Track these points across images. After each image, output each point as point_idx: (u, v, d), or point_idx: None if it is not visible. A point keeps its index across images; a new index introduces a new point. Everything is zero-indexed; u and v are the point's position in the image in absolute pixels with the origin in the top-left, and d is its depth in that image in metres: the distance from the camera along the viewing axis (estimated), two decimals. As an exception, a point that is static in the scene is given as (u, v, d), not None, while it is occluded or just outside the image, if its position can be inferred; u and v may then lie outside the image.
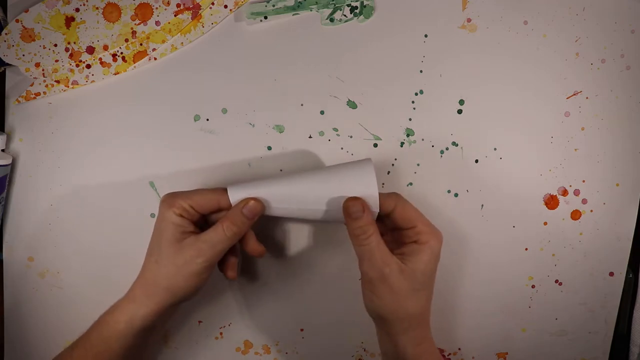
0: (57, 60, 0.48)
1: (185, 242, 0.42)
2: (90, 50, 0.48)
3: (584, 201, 0.49)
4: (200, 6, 0.47)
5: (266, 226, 0.50)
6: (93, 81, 0.49)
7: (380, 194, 0.42)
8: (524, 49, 0.48)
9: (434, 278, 0.44)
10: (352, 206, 0.41)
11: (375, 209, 0.42)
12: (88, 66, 0.48)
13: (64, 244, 0.51)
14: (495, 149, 0.49)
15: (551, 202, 0.50)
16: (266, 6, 0.47)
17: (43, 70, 0.48)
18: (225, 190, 0.43)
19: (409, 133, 0.49)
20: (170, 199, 0.43)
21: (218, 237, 0.42)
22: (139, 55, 0.48)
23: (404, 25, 0.48)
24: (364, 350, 0.52)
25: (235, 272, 0.46)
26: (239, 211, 0.42)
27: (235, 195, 0.43)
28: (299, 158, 0.49)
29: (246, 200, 0.42)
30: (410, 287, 0.41)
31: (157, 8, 0.47)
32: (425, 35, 0.48)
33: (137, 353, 0.44)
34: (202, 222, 0.45)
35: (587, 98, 0.48)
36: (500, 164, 0.49)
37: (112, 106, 0.49)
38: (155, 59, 0.49)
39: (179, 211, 0.42)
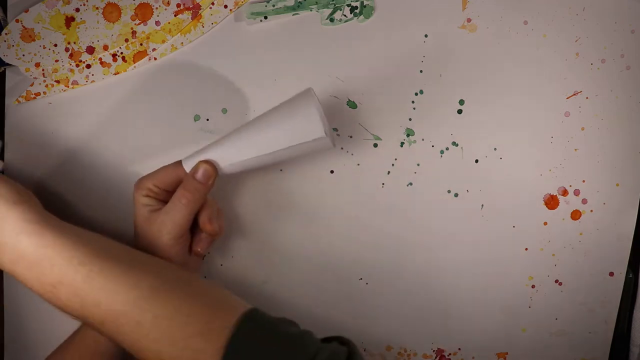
0: (57, 60, 0.48)
1: (151, 217, 0.43)
2: (90, 50, 0.48)
3: (584, 201, 0.49)
4: (200, 6, 0.47)
5: (267, 226, 0.50)
6: (93, 81, 0.49)
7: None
8: (524, 49, 0.48)
9: None
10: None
11: (320, 132, 0.41)
12: (88, 66, 0.48)
13: (64, 244, 0.51)
14: (495, 149, 0.49)
15: (551, 202, 0.50)
16: (266, 6, 0.47)
17: (43, 70, 0.48)
18: (180, 162, 0.44)
19: (409, 133, 0.49)
20: (138, 182, 0.44)
21: (175, 207, 0.42)
22: (139, 55, 0.48)
23: (404, 25, 0.48)
24: (364, 350, 0.52)
25: (201, 247, 0.46)
26: (191, 178, 0.43)
27: (188, 164, 0.43)
28: (299, 158, 0.49)
29: (196, 166, 0.43)
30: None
31: (157, 8, 0.47)
32: (425, 35, 0.48)
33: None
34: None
35: (587, 98, 0.48)
36: (500, 164, 0.49)
37: (112, 106, 0.49)
38: (155, 59, 0.49)
39: (145, 192, 0.43)
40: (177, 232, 0.43)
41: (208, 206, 0.45)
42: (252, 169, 0.45)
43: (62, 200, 0.51)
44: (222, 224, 0.46)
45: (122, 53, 0.48)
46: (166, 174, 0.44)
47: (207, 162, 0.43)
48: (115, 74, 0.49)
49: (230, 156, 0.43)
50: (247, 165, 0.43)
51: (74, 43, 0.47)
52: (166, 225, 0.42)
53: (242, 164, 0.43)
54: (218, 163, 0.43)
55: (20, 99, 0.49)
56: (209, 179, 0.43)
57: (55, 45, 0.47)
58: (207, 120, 0.49)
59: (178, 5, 0.47)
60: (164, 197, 0.44)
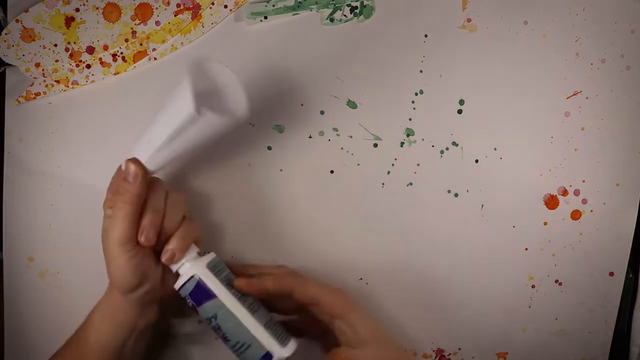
0: (57, 60, 0.48)
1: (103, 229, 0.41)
2: (90, 50, 0.48)
3: (584, 201, 0.50)
4: (200, 6, 0.47)
5: (266, 225, 0.50)
6: (93, 81, 0.49)
7: (271, 276, 0.43)
8: (524, 49, 0.48)
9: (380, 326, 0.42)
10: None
11: (189, 109, 0.38)
12: (88, 66, 0.48)
13: (64, 244, 0.51)
14: (495, 149, 0.49)
15: (551, 202, 0.50)
16: (266, 6, 0.47)
17: (43, 70, 0.48)
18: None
19: (409, 133, 0.49)
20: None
21: (113, 213, 0.40)
22: (139, 55, 0.48)
23: (404, 25, 0.48)
24: (364, 350, 0.52)
25: (144, 236, 0.41)
26: (120, 179, 0.41)
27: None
28: (299, 158, 0.49)
29: (123, 166, 0.41)
30: None
31: (157, 8, 0.47)
32: (425, 35, 0.48)
33: (138, 355, 0.44)
34: None
35: (587, 98, 0.48)
36: (500, 164, 0.49)
37: (112, 106, 0.49)
38: (155, 59, 0.49)
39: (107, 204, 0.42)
40: (122, 239, 0.40)
41: (148, 211, 0.41)
42: (182, 161, 0.44)
43: (62, 200, 0.51)
44: (172, 226, 0.42)
45: (122, 53, 0.48)
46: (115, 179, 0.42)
47: (131, 160, 0.41)
48: (115, 74, 0.49)
49: (144, 150, 0.41)
50: (165, 158, 0.41)
51: (74, 43, 0.47)
52: (109, 233, 0.40)
53: (157, 156, 0.41)
54: (141, 160, 0.41)
55: (20, 99, 0.49)
56: (136, 177, 0.40)
57: (55, 45, 0.47)
58: (207, 120, 0.49)
59: (178, 5, 0.47)
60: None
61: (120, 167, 0.42)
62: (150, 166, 0.42)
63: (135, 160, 0.41)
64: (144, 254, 0.41)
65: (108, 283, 0.44)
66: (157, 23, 0.47)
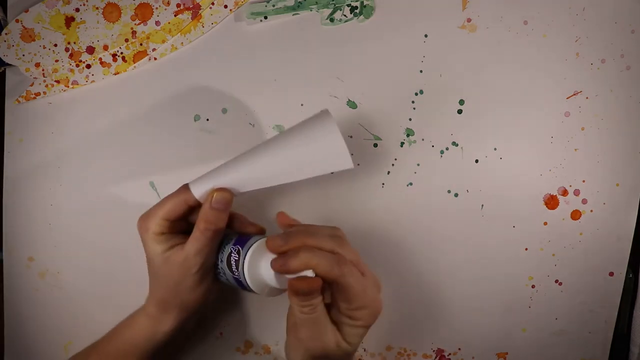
0: (57, 60, 0.48)
1: (171, 254, 0.40)
2: (90, 50, 0.48)
3: (584, 201, 0.49)
4: (200, 6, 0.47)
5: (266, 226, 0.50)
6: (93, 81, 0.49)
7: (328, 259, 0.38)
8: (524, 49, 0.48)
9: None
10: (300, 288, 0.37)
11: (348, 164, 0.38)
12: (88, 66, 0.48)
13: (64, 244, 0.51)
14: (495, 149, 0.49)
15: (551, 202, 0.50)
16: (266, 6, 0.47)
17: (43, 70, 0.48)
18: (187, 187, 0.41)
19: (409, 133, 0.49)
20: (143, 223, 0.41)
21: (199, 242, 0.40)
22: (139, 55, 0.48)
23: (404, 25, 0.48)
24: (364, 350, 0.52)
25: None
26: (208, 208, 0.40)
27: (198, 190, 0.41)
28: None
29: (211, 194, 0.40)
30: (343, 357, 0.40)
31: (157, 8, 0.47)
32: (425, 35, 0.48)
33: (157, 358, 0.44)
34: (186, 226, 0.43)
35: (587, 98, 0.48)
36: (500, 164, 0.49)
37: (112, 106, 0.49)
38: (155, 59, 0.49)
39: (155, 232, 0.41)
40: (207, 266, 0.41)
41: (237, 214, 0.44)
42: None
43: (62, 200, 0.51)
44: None
45: (122, 53, 0.48)
46: (174, 204, 0.40)
47: (221, 189, 0.40)
48: (115, 74, 0.49)
49: (245, 183, 0.40)
50: (263, 186, 0.41)
51: (74, 43, 0.47)
52: (194, 264, 0.40)
53: (257, 188, 0.41)
54: (232, 188, 0.41)
55: (20, 99, 0.49)
56: (226, 205, 0.40)
57: (55, 45, 0.47)
58: (207, 120, 0.49)
59: (178, 5, 0.47)
60: (178, 227, 0.42)
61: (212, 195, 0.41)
62: (237, 195, 0.41)
63: (226, 190, 0.40)
64: (211, 282, 0.43)
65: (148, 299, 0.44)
66: (157, 23, 0.47)
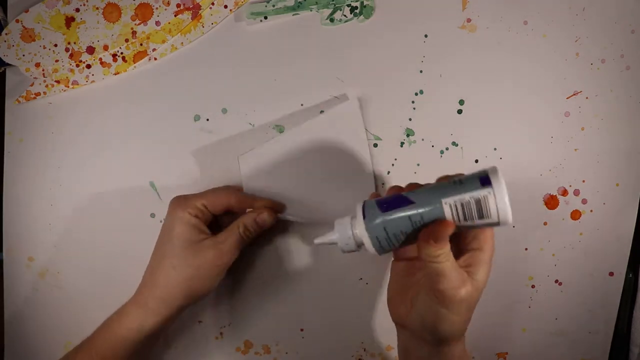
0: (57, 60, 0.48)
1: (203, 244, 0.42)
2: (91, 50, 0.48)
3: (584, 201, 0.49)
4: (200, 6, 0.47)
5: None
6: (93, 81, 0.49)
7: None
8: (524, 49, 0.48)
9: None
10: (438, 232, 0.36)
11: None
12: (88, 66, 0.48)
13: (64, 244, 0.51)
14: (495, 149, 0.49)
15: (551, 202, 0.50)
16: (266, 6, 0.47)
17: (43, 70, 0.48)
18: (234, 188, 0.44)
19: (409, 133, 0.49)
20: (183, 200, 0.43)
21: (235, 240, 0.43)
22: (139, 55, 0.48)
23: (404, 25, 0.48)
24: (364, 350, 0.52)
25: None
26: (253, 220, 0.43)
27: (246, 163, 0.43)
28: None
29: (260, 211, 0.44)
30: (477, 302, 0.39)
31: (157, 8, 0.47)
32: (425, 35, 0.48)
33: (143, 356, 0.44)
34: (214, 225, 0.45)
35: (587, 98, 0.48)
36: (500, 164, 0.49)
37: (113, 106, 0.49)
38: (155, 59, 0.49)
39: (194, 212, 0.42)
40: (230, 263, 0.43)
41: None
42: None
43: (62, 200, 0.51)
44: None
45: (122, 53, 0.48)
46: (219, 197, 0.44)
47: (269, 212, 0.44)
48: (115, 74, 0.49)
49: (291, 211, 0.46)
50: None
51: (74, 43, 0.47)
52: (224, 256, 0.43)
53: (296, 217, 0.47)
54: (284, 209, 0.46)
55: (20, 99, 0.49)
56: (267, 226, 0.45)
57: (56, 45, 0.47)
58: (207, 120, 0.49)
59: (178, 6, 0.47)
60: (210, 220, 0.44)
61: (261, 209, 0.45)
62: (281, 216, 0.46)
63: (273, 216, 0.45)
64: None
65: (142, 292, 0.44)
66: (157, 23, 0.47)
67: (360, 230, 0.38)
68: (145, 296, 0.43)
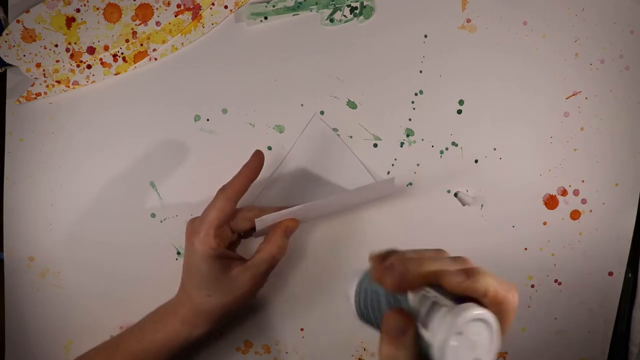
0: (57, 61, 0.48)
1: (235, 274, 0.42)
2: (91, 50, 0.48)
3: (584, 201, 0.50)
4: (201, 7, 0.47)
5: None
6: (94, 81, 0.49)
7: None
8: (524, 49, 0.48)
9: None
10: (394, 323, 0.29)
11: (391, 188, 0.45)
12: (89, 66, 0.48)
13: (64, 244, 0.51)
14: (495, 149, 0.49)
15: (551, 202, 0.50)
16: (266, 7, 0.48)
17: (44, 70, 0.48)
18: (222, 191, 0.43)
19: (409, 133, 0.49)
20: (200, 236, 0.42)
21: (267, 262, 0.43)
22: (140, 55, 0.48)
23: (404, 25, 0.48)
24: (364, 350, 0.52)
25: None
26: (281, 236, 0.44)
27: (260, 224, 0.44)
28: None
29: (285, 223, 0.44)
30: None
31: (157, 8, 0.47)
32: (425, 36, 0.48)
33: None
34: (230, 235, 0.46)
35: (586, 98, 0.48)
36: (500, 164, 0.49)
37: (113, 106, 0.49)
38: (155, 59, 0.49)
39: (214, 245, 0.42)
40: (262, 284, 0.44)
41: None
42: None
43: (63, 200, 0.51)
44: None
45: (122, 53, 0.48)
46: (218, 210, 0.43)
47: (292, 220, 0.45)
48: (115, 74, 0.49)
49: (306, 218, 0.46)
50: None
51: (75, 43, 0.48)
52: (260, 281, 0.43)
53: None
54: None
55: (21, 99, 0.49)
56: (292, 233, 0.45)
57: (56, 45, 0.47)
58: (207, 120, 0.49)
59: (178, 6, 0.47)
60: (225, 236, 0.44)
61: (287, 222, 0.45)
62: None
63: (296, 222, 0.45)
64: None
65: (181, 294, 0.45)
66: (158, 23, 0.48)
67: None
68: (188, 315, 0.43)
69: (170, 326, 0.43)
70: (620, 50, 0.48)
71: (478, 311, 0.28)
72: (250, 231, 0.46)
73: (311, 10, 0.48)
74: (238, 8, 0.48)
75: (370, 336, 0.51)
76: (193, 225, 0.43)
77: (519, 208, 0.50)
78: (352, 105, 0.49)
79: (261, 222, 0.43)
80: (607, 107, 0.48)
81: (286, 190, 0.49)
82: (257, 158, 0.44)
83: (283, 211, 0.44)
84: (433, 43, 0.48)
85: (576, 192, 0.50)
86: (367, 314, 0.33)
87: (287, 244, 0.44)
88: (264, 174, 0.45)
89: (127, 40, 0.48)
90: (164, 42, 0.48)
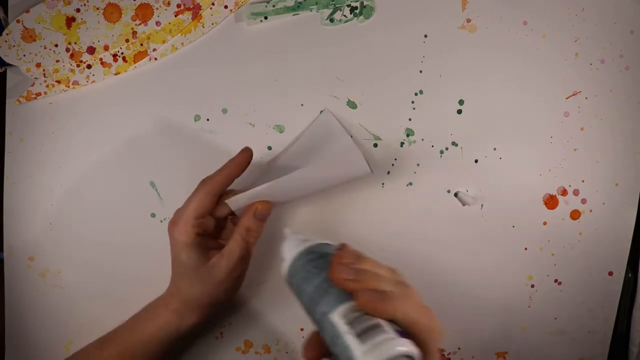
0: (57, 61, 0.48)
1: (212, 264, 0.43)
2: (91, 50, 0.48)
3: (584, 201, 0.50)
4: (201, 6, 0.47)
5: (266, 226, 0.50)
6: (94, 81, 0.49)
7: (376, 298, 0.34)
8: (524, 49, 0.48)
9: None
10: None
11: (366, 169, 0.42)
12: (89, 66, 0.48)
13: (64, 244, 0.51)
14: (495, 149, 0.49)
15: (551, 202, 0.50)
16: (266, 7, 0.48)
17: (44, 70, 0.48)
18: (204, 183, 0.43)
19: (409, 133, 0.49)
20: (179, 227, 0.42)
21: (240, 247, 0.43)
22: (140, 55, 0.48)
23: (404, 25, 0.48)
24: (364, 349, 0.52)
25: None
26: (251, 217, 0.43)
27: (235, 204, 0.44)
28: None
29: (255, 205, 0.43)
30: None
31: (157, 8, 0.47)
32: (425, 36, 0.48)
33: (175, 356, 0.46)
34: (212, 225, 0.45)
35: (586, 98, 0.48)
36: (500, 164, 0.49)
37: (113, 106, 0.50)
38: (155, 59, 0.49)
39: (192, 235, 0.42)
40: (244, 268, 0.44)
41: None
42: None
43: (63, 200, 0.51)
44: None
45: (122, 53, 0.48)
46: (199, 200, 0.42)
47: (263, 202, 0.43)
48: (115, 74, 0.49)
49: (277, 198, 0.44)
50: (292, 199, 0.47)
51: (75, 43, 0.48)
52: (235, 267, 0.43)
53: (286, 199, 0.46)
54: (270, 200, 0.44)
55: (21, 99, 0.49)
56: (267, 216, 0.44)
57: (56, 45, 0.47)
58: (207, 120, 0.49)
59: (178, 6, 0.47)
60: (211, 224, 0.44)
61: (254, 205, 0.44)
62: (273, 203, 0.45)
63: (268, 204, 0.44)
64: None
65: (171, 289, 0.45)
66: (158, 23, 0.48)
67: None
68: (177, 305, 0.44)
69: (161, 316, 0.44)
70: (620, 50, 0.48)
71: (402, 348, 0.31)
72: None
73: (311, 10, 0.48)
74: (238, 8, 0.48)
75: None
76: (174, 217, 0.44)
77: (519, 208, 0.50)
78: (352, 105, 0.49)
79: (234, 203, 0.43)
80: (607, 107, 0.48)
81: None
82: (245, 155, 0.44)
83: (251, 190, 0.43)
84: (433, 43, 0.48)
85: (576, 192, 0.50)
86: (299, 287, 0.37)
87: (259, 226, 0.43)
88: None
89: (127, 40, 0.48)
90: (164, 42, 0.48)
